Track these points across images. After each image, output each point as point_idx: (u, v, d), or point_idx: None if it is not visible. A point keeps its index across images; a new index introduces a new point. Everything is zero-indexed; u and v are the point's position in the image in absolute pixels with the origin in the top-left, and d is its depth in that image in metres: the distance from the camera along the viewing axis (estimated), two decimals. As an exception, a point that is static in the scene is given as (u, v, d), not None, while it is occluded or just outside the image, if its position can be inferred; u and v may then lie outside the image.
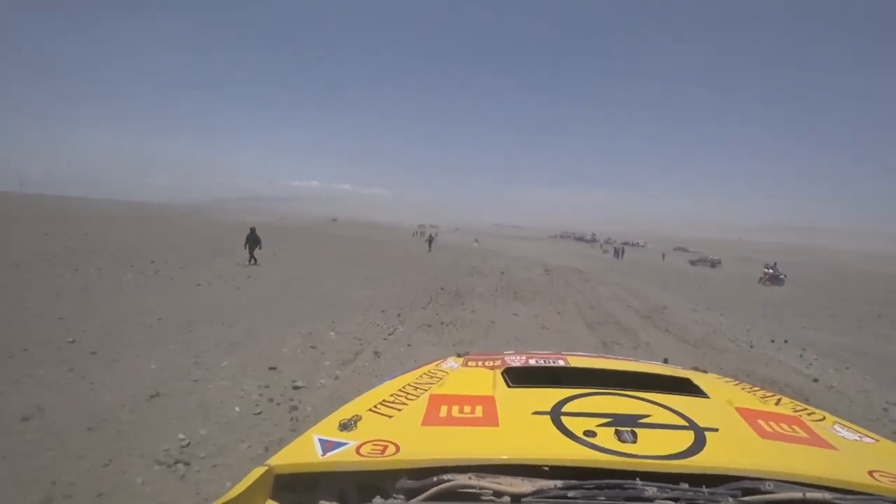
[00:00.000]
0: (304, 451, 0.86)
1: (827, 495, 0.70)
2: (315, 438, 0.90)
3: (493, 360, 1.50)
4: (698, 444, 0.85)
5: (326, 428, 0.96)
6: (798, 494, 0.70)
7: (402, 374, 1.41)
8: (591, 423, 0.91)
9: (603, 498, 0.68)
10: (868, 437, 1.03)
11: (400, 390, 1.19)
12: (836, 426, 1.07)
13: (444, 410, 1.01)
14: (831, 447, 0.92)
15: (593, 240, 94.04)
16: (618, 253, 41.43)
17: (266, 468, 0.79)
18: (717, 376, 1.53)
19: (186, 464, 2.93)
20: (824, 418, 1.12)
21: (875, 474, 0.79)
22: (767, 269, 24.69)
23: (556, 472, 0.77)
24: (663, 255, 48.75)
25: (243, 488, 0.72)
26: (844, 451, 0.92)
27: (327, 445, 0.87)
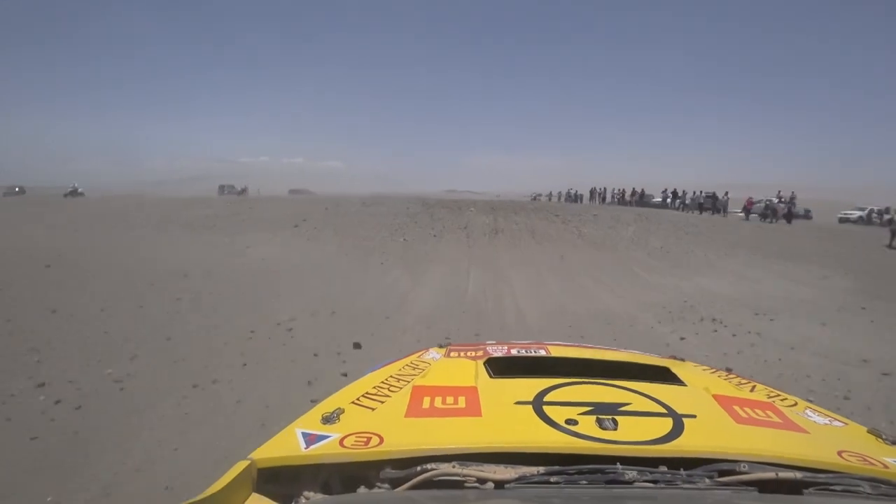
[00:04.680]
0: (287, 445, 0.86)
1: (798, 474, 0.73)
2: (298, 432, 0.90)
3: (475, 350, 1.51)
4: (677, 430, 0.87)
5: (309, 421, 0.96)
6: (771, 474, 0.73)
7: (385, 365, 1.41)
8: (572, 412, 0.92)
9: (585, 482, 0.70)
10: (837, 420, 1.07)
11: (382, 382, 1.19)
12: (807, 411, 1.11)
13: (426, 402, 1.01)
14: (802, 430, 0.95)
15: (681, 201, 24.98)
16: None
17: (248, 462, 0.79)
18: (695, 364, 1.57)
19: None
20: (796, 404, 1.16)
21: (843, 454, 0.83)
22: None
23: (539, 459, 0.78)
24: None
25: (226, 482, 0.71)
26: (815, 433, 0.96)
27: (310, 438, 0.87)
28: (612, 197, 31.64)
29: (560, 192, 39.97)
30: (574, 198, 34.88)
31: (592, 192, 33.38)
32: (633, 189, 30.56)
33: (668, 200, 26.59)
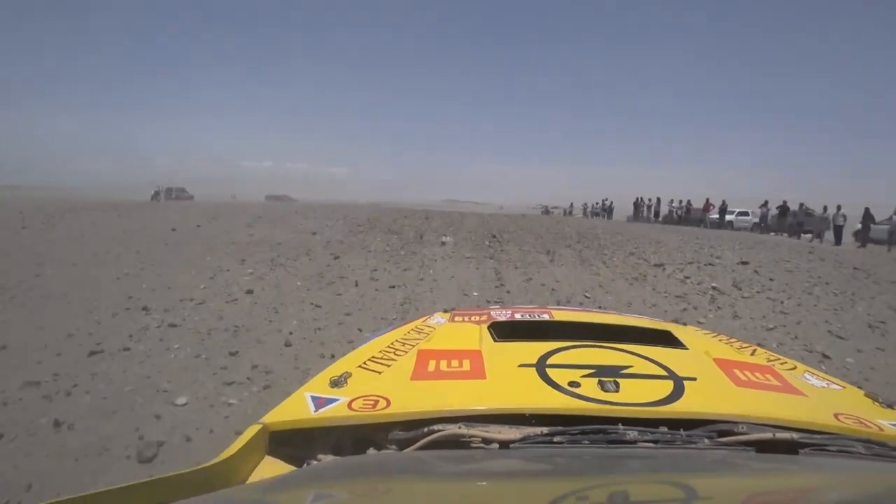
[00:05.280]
0: (297, 409, 0.88)
1: (795, 435, 0.74)
2: (307, 396, 0.92)
3: (479, 315, 1.51)
4: (677, 392, 0.88)
5: (318, 385, 0.97)
6: (768, 435, 0.74)
7: (390, 330, 1.43)
8: (575, 374, 0.93)
9: (587, 442, 0.71)
10: (835, 384, 1.09)
11: (388, 346, 1.20)
12: (805, 374, 1.13)
13: (432, 365, 1.02)
14: (801, 393, 0.97)
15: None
16: None
17: (261, 426, 0.81)
18: (696, 329, 1.59)
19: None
20: (795, 367, 1.18)
21: (840, 416, 0.85)
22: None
23: (542, 420, 0.79)
24: None
25: (240, 445, 0.73)
26: (813, 396, 0.98)
27: (319, 402, 0.88)
28: (673, 212, 21.15)
29: (586, 206, 28.66)
30: (606, 211, 24.49)
31: (637, 204, 22.45)
32: (707, 201, 19.65)
33: (767, 219, 17.65)
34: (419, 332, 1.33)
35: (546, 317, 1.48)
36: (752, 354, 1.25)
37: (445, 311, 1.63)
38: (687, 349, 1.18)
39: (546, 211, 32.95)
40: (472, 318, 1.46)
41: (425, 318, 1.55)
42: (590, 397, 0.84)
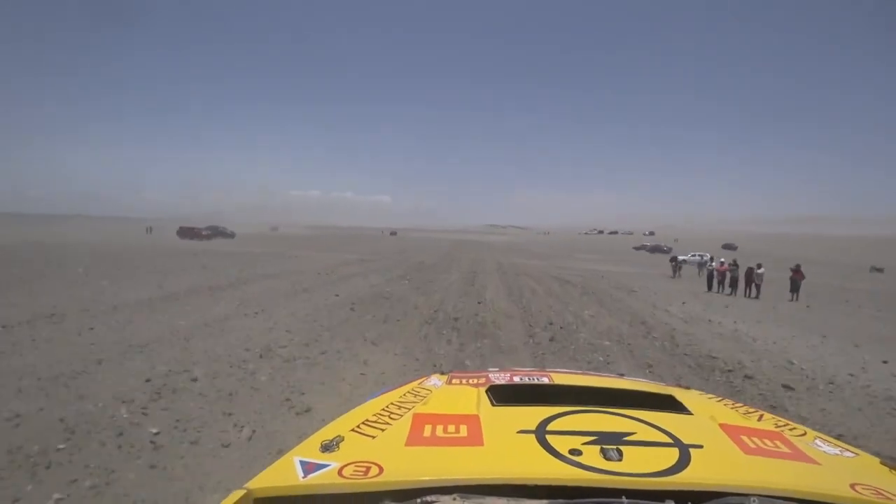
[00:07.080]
0: (285, 474, 0.85)
1: None
2: (296, 460, 0.89)
3: (478, 378, 1.49)
4: (683, 461, 0.85)
5: (307, 449, 0.95)
6: None
7: (385, 392, 1.40)
8: (576, 442, 0.91)
9: None
10: (848, 451, 1.05)
11: (383, 410, 1.18)
12: (816, 441, 1.09)
13: (427, 430, 1.00)
14: (813, 462, 0.94)
15: None
16: None
17: (244, 492, 0.78)
18: (700, 392, 1.54)
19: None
20: (805, 433, 1.13)
21: (857, 487, 0.81)
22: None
23: (542, 491, 0.77)
24: None
25: None
26: (826, 465, 0.94)
27: (308, 467, 0.86)
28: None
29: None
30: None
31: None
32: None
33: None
34: (415, 395, 1.30)
35: (546, 380, 1.44)
36: (760, 420, 1.21)
37: (442, 373, 1.60)
38: (692, 414, 1.15)
39: (593, 233, 29.54)
40: (470, 381, 1.43)
41: (421, 380, 1.52)
42: (592, 466, 0.81)
